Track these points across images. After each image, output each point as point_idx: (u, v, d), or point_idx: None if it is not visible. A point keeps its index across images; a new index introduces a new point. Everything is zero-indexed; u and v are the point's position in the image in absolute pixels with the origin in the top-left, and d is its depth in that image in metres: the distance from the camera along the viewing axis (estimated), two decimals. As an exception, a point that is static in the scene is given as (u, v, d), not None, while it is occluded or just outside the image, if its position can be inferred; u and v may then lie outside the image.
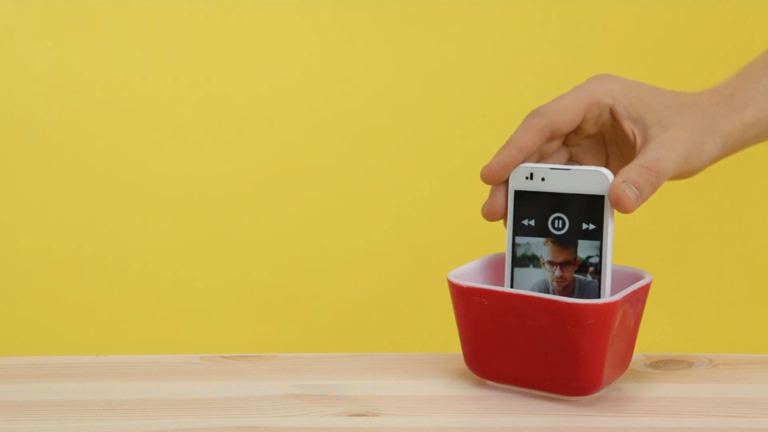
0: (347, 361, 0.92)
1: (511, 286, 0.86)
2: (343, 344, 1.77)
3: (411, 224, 1.77)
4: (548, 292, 0.84)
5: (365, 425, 0.81)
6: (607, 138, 0.89)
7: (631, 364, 0.90)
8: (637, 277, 0.86)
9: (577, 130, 0.88)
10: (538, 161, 0.87)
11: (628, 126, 0.86)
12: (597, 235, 0.83)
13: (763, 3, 1.75)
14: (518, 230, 0.86)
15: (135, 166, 1.72)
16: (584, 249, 0.83)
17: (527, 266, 0.85)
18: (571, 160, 0.90)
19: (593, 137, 0.89)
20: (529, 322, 0.82)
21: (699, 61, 1.77)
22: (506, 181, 0.86)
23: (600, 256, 0.83)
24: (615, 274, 0.87)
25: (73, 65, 1.70)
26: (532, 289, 0.85)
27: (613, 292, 0.83)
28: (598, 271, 0.83)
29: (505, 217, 0.86)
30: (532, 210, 0.85)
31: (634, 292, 0.83)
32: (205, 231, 1.75)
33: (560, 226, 0.84)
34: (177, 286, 1.75)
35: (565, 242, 0.84)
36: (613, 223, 0.83)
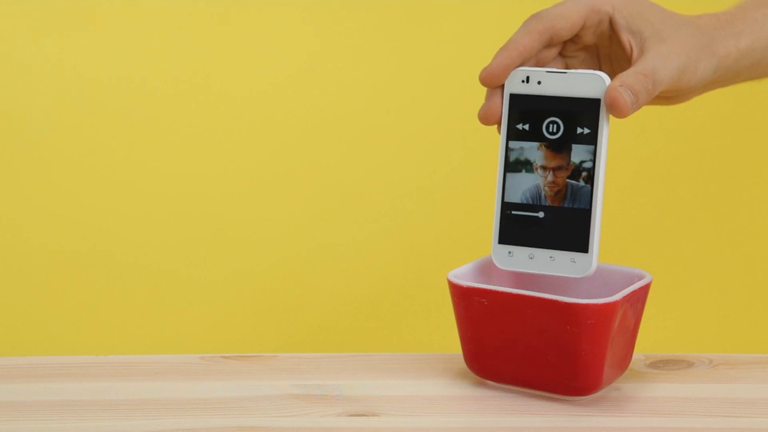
0: (347, 361, 0.92)
1: (503, 193, 0.84)
2: (343, 344, 1.77)
3: (411, 224, 1.77)
4: (540, 198, 0.83)
5: (365, 425, 0.81)
6: (602, 51, 0.89)
7: (631, 364, 0.90)
8: (637, 277, 0.86)
9: (575, 39, 0.87)
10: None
11: (625, 37, 0.86)
12: (591, 139, 0.81)
13: None
14: (512, 134, 0.84)
15: (135, 166, 1.72)
16: (578, 154, 0.82)
17: (520, 171, 0.83)
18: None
19: (589, 49, 0.89)
20: (529, 322, 0.82)
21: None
22: (503, 85, 0.85)
23: (593, 161, 0.81)
24: (615, 274, 0.87)
25: (73, 65, 1.70)
26: (524, 195, 0.83)
27: (613, 292, 0.83)
28: (591, 176, 0.81)
29: (500, 122, 0.85)
30: (526, 114, 0.83)
31: (634, 292, 0.83)
32: (205, 231, 1.75)
33: (554, 130, 0.83)
34: (177, 285, 1.75)
35: (559, 147, 0.82)
36: (608, 129, 0.81)
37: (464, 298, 0.84)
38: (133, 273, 1.74)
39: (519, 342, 0.83)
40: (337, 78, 1.74)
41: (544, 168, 0.83)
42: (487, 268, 0.89)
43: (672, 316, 1.80)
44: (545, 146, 0.83)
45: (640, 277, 0.86)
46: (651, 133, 1.77)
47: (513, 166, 0.84)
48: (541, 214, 0.83)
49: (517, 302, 0.82)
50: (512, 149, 0.84)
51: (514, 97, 0.84)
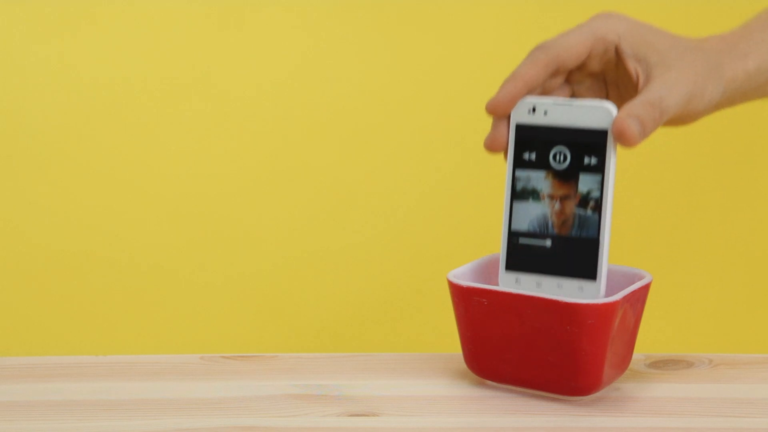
0: (347, 361, 0.92)
1: (510, 221, 0.84)
2: (343, 344, 1.77)
3: (411, 224, 1.77)
4: (547, 227, 0.83)
5: (365, 425, 0.81)
6: (608, 78, 0.89)
7: (631, 364, 0.90)
8: (637, 277, 0.86)
9: (581, 67, 0.88)
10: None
11: (632, 65, 0.86)
12: (599, 169, 0.82)
13: None
14: (518, 163, 0.84)
15: (134, 166, 1.72)
16: (585, 183, 0.82)
17: (527, 200, 0.84)
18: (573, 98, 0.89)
19: (595, 76, 0.89)
20: (529, 322, 0.82)
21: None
22: (509, 115, 0.85)
23: (601, 190, 0.82)
24: (615, 274, 0.87)
25: (73, 65, 1.70)
26: (531, 224, 0.84)
27: (613, 292, 0.83)
28: (599, 205, 0.82)
29: (506, 150, 0.85)
30: (533, 143, 0.84)
31: (634, 292, 0.83)
32: (204, 231, 1.75)
33: (561, 159, 0.83)
34: (177, 286, 1.75)
35: (566, 176, 0.83)
36: (615, 159, 0.82)
37: (464, 298, 0.84)
38: (133, 273, 1.74)
39: (519, 342, 0.83)
40: (336, 79, 1.74)
41: (551, 197, 0.83)
42: (487, 268, 0.90)
43: (672, 316, 1.80)
44: (552, 175, 0.83)
45: (640, 277, 0.86)
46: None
47: (520, 194, 0.84)
48: (548, 243, 0.84)
49: (517, 302, 0.82)
50: (519, 178, 0.84)
51: (520, 127, 0.85)
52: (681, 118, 0.86)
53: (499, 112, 0.85)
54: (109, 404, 0.84)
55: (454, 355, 0.91)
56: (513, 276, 0.85)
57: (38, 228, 1.72)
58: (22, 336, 1.74)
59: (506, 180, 0.85)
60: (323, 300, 1.77)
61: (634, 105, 0.82)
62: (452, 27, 1.75)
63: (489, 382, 0.87)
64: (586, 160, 0.82)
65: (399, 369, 0.91)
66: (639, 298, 0.84)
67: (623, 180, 1.80)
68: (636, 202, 1.78)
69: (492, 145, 0.86)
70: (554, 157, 0.83)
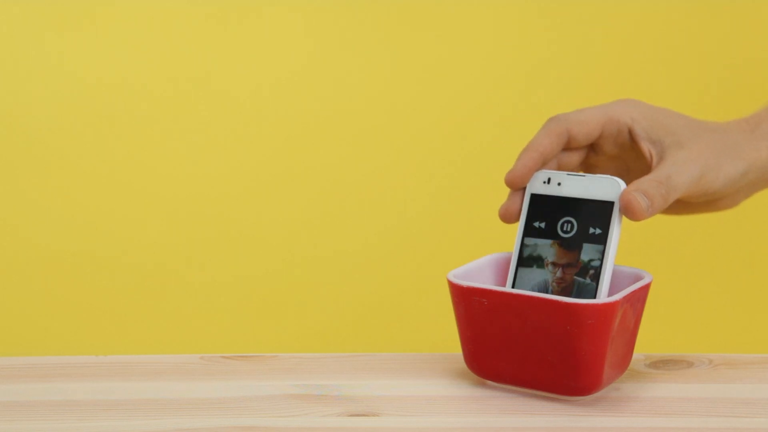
0: (347, 361, 0.92)
1: (513, 285, 0.86)
2: (343, 344, 1.77)
3: (411, 224, 1.77)
4: (547, 292, 0.85)
5: (365, 425, 0.81)
6: (630, 164, 0.91)
7: (631, 364, 0.90)
8: (637, 277, 0.86)
9: (596, 149, 0.90)
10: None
11: (645, 146, 0.88)
12: (602, 239, 0.84)
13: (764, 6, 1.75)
14: (528, 231, 0.87)
15: (135, 166, 1.72)
16: (587, 252, 0.84)
17: (531, 266, 0.86)
18: None
19: (615, 161, 0.91)
20: (529, 322, 0.82)
21: (700, 58, 1.77)
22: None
23: (601, 260, 0.84)
24: (615, 274, 0.87)
25: (73, 65, 1.70)
26: (532, 289, 0.86)
27: (613, 292, 0.83)
28: (597, 275, 0.84)
29: (518, 218, 0.88)
30: (544, 212, 0.87)
31: (634, 292, 0.83)
32: (205, 231, 1.75)
33: (568, 229, 0.86)
34: (177, 286, 1.75)
35: (571, 245, 0.85)
36: (619, 231, 0.84)
37: (464, 298, 0.84)
38: (133, 273, 1.74)
39: (519, 342, 0.83)
40: (337, 79, 1.74)
41: (554, 264, 0.86)
42: (487, 268, 0.90)
43: (672, 316, 1.80)
44: (558, 244, 0.86)
45: (640, 277, 0.86)
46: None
47: (525, 261, 0.87)
48: None
49: (517, 302, 0.82)
50: (527, 245, 0.87)
51: (534, 197, 0.87)
52: (700, 196, 0.88)
53: (515, 184, 0.88)
54: (109, 404, 0.84)
55: (454, 355, 0.91)
56: None
57: (38, 228, 1.72)
58: (22, 336, 1.74)
59: (515, 246, 0.87)
60: (323, 300, 1.77)
61: (642, 181, 0.84)
62: (454, 29, 1.75)
63: (489, 382, 0.87)
64: (591, 230, 0.85)
65: (399, 369, 0.91)
66: (639, 298, 0.84)
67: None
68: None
69: (506, 216, 0.88)
70: (562, 226, 0.86)
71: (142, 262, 1.74)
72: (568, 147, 0.89)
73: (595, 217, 0.85)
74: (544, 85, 1.75)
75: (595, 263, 0.84)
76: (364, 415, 0.82)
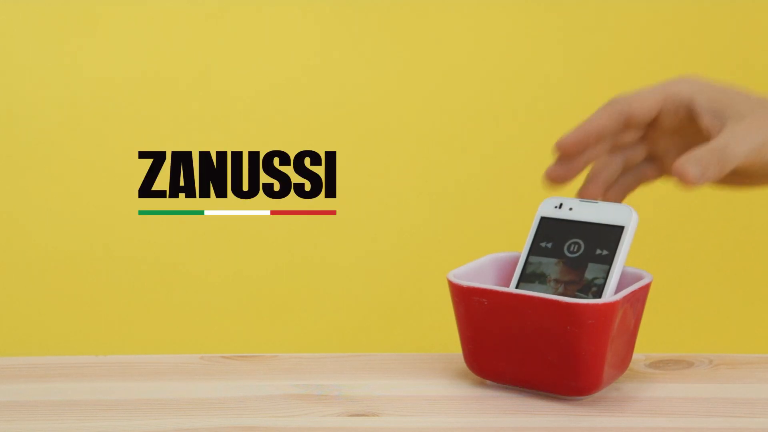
0: (347, 361, 0.92)
1: None
2: (343, 344, 1.77)
3: (411, 224, 1.77)
4: None
5: (365, 425, 0.81)
6: (689, 140, 0.90)
7: (631, 364, 0.90)
8: (637, 277, 0.86)
9: (656, 125, 0.90)
10: (613, 151, 0.89)
11: (707, 120, 0.88)
12: (608, 260, 0.84)
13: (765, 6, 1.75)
14: (534, 251, 0.87)
15: (134, 166, 1.72)
16: (592, 271, 0.85)
17: (533, 282, 0.86)
18: (649, 159, 0.91)
19: (674, 136, 0.91)
20: (529, 322, 0.82)
21: (701, 56, 1.77)
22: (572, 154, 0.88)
23: (605, 278, 0.84)
24: (615, 274, 0.87)
25: (73, 65, 1.70)
26: None
27: (613, 292, 0.83)
28: (599, 292, 0.84)
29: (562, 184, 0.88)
30: (551, 234, 0.87)
31: (634, 292, 0.83)
32: (205, 231, 1.75)
33: (575, 249, 0.86)
34: (177, 285, 1.75)
35: (576, 264, 0.85)
36: (626, 254, 0.85)
37: (464, 298, 0.84)
38: (133, 273, 1.74)
39: (519, 342, 0.83)
40: (338, 80, 1.74)
41: (557, 281, 0.86)
42: (487, 268, 0.90)
43: (672, 316, 1.80)
44: (563, 263, 0.86)
45: (640, 277, 0.86)
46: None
47: (528, 277, 0.87)
48: None
49: (517, 302, 0.82)
50: (531, 263, 0.87)
51: (544, 220, 0.88)
52: (757, 168, 0.87)
53: (564, 152, 0.88)
54: (109, 404, 0.84)
55: (454, 355, 0.91)
56: None
57: (38, 228, 1.72)
58: (22, 336, 1.74)
59: (518, 263, 0.87)
60: (323, 300, 1.77)
61: (697, 150, 0.84)
62: (458, 30, 1.75)
63: (489, 382, 0.87)
64: (598, 251, 0.85)
65: (399, 369, 0.91)
66: (639, 298, 0.84)
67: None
68: (636, 202, 1.77)
69: (551, 176, 0.88)
70: (569, 247, 0.86)
71: (142, 262, 1.74)
72: (627, 125, 0.89)
73: (603, 239, 0.85)
74: (544, 86, 1.75)
75: (599, 281, 0.84)
76: (364, 415, 0.82)
